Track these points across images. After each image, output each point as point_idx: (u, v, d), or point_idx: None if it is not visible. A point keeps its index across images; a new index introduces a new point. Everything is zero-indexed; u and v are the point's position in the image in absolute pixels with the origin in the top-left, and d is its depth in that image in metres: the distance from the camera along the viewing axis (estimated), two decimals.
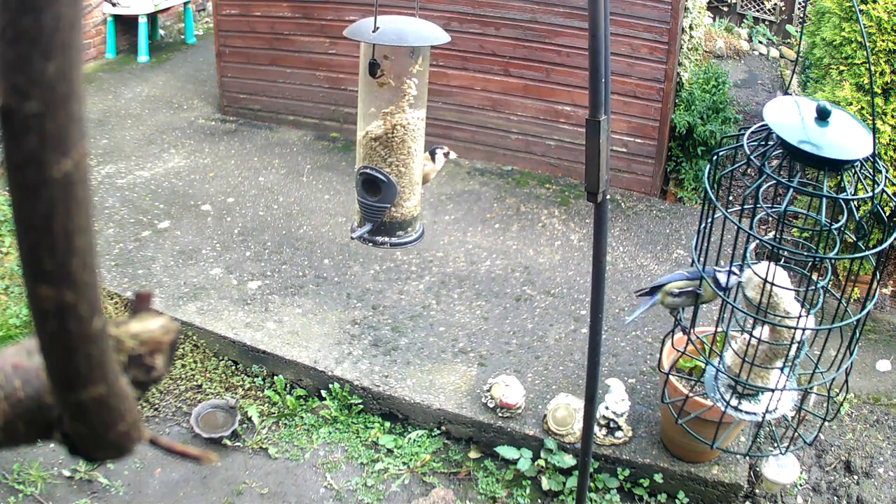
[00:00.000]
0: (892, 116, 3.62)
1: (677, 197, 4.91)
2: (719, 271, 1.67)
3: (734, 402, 1.66)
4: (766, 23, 7.92)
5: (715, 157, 1.50)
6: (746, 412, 1.66)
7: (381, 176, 1.72)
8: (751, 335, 1.59)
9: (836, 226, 1.38)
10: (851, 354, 1.53)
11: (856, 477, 3.14)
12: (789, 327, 1.55)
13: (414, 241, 1.82)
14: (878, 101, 3.63)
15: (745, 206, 1.45)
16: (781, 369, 1.64)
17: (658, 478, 2.94)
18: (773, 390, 1.60)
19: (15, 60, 0.40)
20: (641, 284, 3.92)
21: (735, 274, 1.62)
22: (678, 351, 1.87)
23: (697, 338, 1.70)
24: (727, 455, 2.96)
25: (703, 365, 1.83)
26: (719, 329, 1.70)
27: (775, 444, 1.80)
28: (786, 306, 1.57)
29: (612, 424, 2.99)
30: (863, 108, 3.57)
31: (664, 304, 1.92)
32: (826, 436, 3.33)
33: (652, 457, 2.97)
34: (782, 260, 1.72)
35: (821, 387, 1.75)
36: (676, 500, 2.94)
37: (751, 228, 1.41)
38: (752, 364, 1.61)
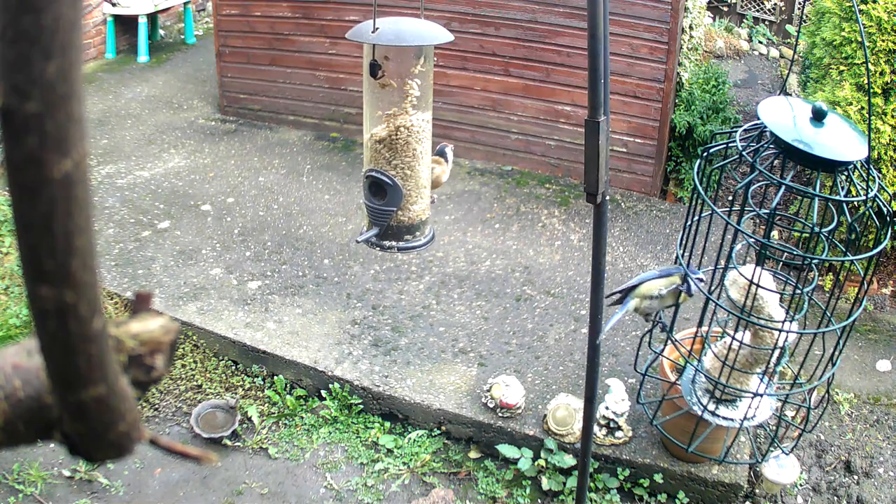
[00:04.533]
0: (893, 116, 3.62)
1: (677, 197, 4.91)
2: (691, 277, 1.59)
3: (711, 406, 1.65)
4: (766, 23, 7.92)
5: (706, 153, 1.49)
6: (724, 418, 1.64)
7: (387, 179, 1.70)
8: (732, 338, 1.58)
9: (827, 229, 1.38)
10: (834, 365, 1.52)
11: (856, 477, 3.14)
12: (772, 328, 1.54)
13: (422, 245, 1.79)
14: (878, 100, 3.63)
15: (735, 204, 1.44)
16: (761, 377, 1.63)
17: (658, 478, 2.94)
18: (752, 395, 1.59)
19: (15, 60, 0.40)
20: None
21: (702, 280, 1.57)
22: (655, 353, 1.85)
23: (677, 341, 1.69)
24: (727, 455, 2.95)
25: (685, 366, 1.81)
26: (701, 330, 1.69)
27: (753, 453, 1.78)
28: (770, 310, 1.55)
29: (612, 424, 2.99)
30: (863, 107, 3.57)
31: (639, 310, 1.74)
32: (826, 436, 3.33)
33: (652, 457, 2.97)
34: (777, 265, 1.71)
35: (801, 396, 1.74)
36: (676, 500, 2.94)
37: (738, 224, 1.40)
38: (731, 368, 1.59)
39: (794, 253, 1.57)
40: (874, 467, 3.19)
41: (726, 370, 1.59)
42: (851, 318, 1.40)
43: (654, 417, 1.75)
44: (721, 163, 1.48)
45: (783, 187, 1.32)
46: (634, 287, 1.73)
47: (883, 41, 3.55)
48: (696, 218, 1.52)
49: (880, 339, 3.88)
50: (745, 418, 1.60)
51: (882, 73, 3.59)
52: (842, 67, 3.80)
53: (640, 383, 1.98)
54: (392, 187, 1.70)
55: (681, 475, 2.92)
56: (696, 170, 1.48)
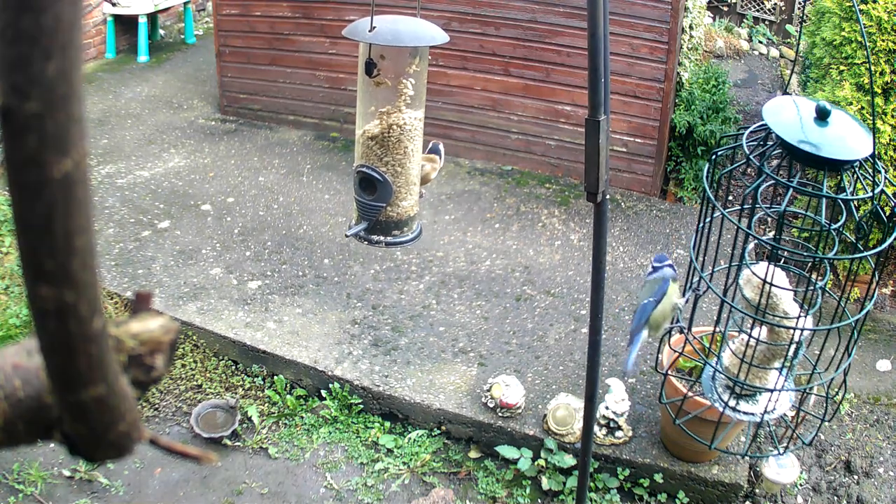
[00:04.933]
0: (893, 116, 3.62)
1: (677, 197, 4.91)
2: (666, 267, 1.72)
3: (732, 402, 1.66)
4: (766, 23, 7.92)
5: (714, 157, 1.50)
6: (744, 412, 1.66)
7: (377, 175, 1.72)
8: (749, 335, 1.59)
9: (836, 226, 1.38)
10: (850, 355, 1.52)
11: (856, 477, 3.14)
12: (788, 327, 1.55)
13: (410, 240, 1.82)
14: (878, 100, 3.63)
15: (745, 206, 1.45)
16: (780, 370, 1.64)
17: (658, 477, 2.94)
18: (770, 391, 1.60)
19: (15, 60, 0.40)
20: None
21: (673, 268, 1.67)
22: (675, 351, 1.86)
23: (695, 338, 1.70)
24: (727, 455, 2.96)
25: (702, 365, 1.83)
26: (717, 329, 1.70)
27: (775, 445, 1.80)
28: (784, 307, 1.56)
29: (612, 424, 2.99)
30: (863, 107, 3.57)
31: (659, 331, 1.82)
32: (826, 436, 3.33)
33: (652, 456, 2.97)
34: (782, 260, 1.71)
35: (819, 387, 1.74)
36: (676, 500, 2.94)
37: (749, 228, 1.41)
38: (750, 364, 1.60)
39: (805, 254, 1.57)
40: (874, 467, 3.19)
41: (745, 367, 1.60)
42: (865, 310, 1.42)
43: (677, 415, 1.75)
44: (729, 168, 1.49)
45: (791, 189, 1.32)
46: (645, 321, 1.80)
47: (883, 41, 3.55)
48: (708, 220, 1.53)
49: (880, 339, 3.88)
50: (765, 412, 1.61)
51: (882, 73, 3.59)
52: (842, 67, 3.79)
53: (662, 384, 1.99)
54: (382, 183, 1.72)
55: (681, 475, 2.92)
56: (704, 174, 1.49)
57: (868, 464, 3.19)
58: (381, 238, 1.78)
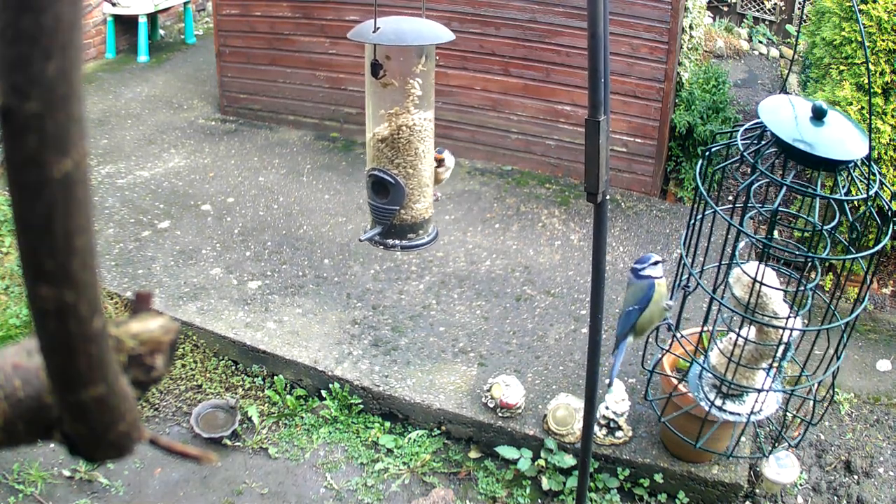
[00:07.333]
0: (893, 116, 3.62)
1: (677, 197, 4.91)
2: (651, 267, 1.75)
3: (718, 401, 1.66)
4: (766, 22, 7.92)
5: (707, 153, 1.50)
6: (731, 412, 1.65)
7: (389, 178, 1.70)
8: (737, 335, 1.59)
9: (829, 226, 1.38)
10: (839, 358, 1.52)
11: (856, 477, 3.14)
12: (777, 327, 1.54)
13: (426, 243, 1.79)
14: (878, 100, 3.63)
15: (738, 204, 1.45)
16: (767, 371, 1.63)
17: (658, 478, 2.94)
18: (757, 391, 1.60)
19: (15, 60, 0.40)
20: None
21: (658, 263, 1.70)
22: (662, 349, 1.86)
23: (683, 336, 1.70)
24: (718, 455, 2.95)
25: (689, 364, 1.83)
26: (706, 327, 1.70)
27: (761, 447, 1.80)
28: (774, 307, 1.56)
29: (612, 424, 2.99)
30: (863, 107, 3.57)
31: (644, 335, 1.85)
32: (826, 436, 3.33)
33: (652, 457, 2.97)
34: (781, 262, 1.71)
35: (807, 390, 1.74)
36: (676, 500, 2.94)
37: (740, 225, 1.41)
38: (737, 364, 1.60)
39: (797, 252, 1.57)
40: (874, 467, 3.19)
41: (732, 366, 1.59)
42: (855, 314, 1.41)
43: (662, 413, 1.76)
44: (723, 164, 1.48)
45: (784, 187, 1.32)
46: (631, 328, 1.82)
47: (883, 41, 3.55)
48: (700, 217, 1.53)
49: (880, 339, 3.88)
50: (751, 413, 1.61)
51: (882, 73, 3.59)
52: (842, 67, 3.79)
53: (648, 381, 1.99)
54: (394, 186, 1.70)
55: (681, 475, 2.92)
56: (697, 169, 1.48)
57: (868, 464, 3.19)
58: (397, 242, 1.76)
